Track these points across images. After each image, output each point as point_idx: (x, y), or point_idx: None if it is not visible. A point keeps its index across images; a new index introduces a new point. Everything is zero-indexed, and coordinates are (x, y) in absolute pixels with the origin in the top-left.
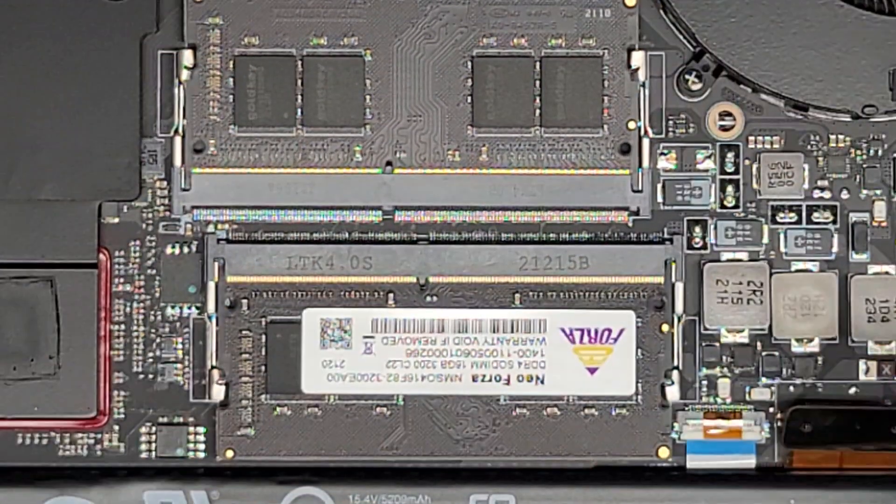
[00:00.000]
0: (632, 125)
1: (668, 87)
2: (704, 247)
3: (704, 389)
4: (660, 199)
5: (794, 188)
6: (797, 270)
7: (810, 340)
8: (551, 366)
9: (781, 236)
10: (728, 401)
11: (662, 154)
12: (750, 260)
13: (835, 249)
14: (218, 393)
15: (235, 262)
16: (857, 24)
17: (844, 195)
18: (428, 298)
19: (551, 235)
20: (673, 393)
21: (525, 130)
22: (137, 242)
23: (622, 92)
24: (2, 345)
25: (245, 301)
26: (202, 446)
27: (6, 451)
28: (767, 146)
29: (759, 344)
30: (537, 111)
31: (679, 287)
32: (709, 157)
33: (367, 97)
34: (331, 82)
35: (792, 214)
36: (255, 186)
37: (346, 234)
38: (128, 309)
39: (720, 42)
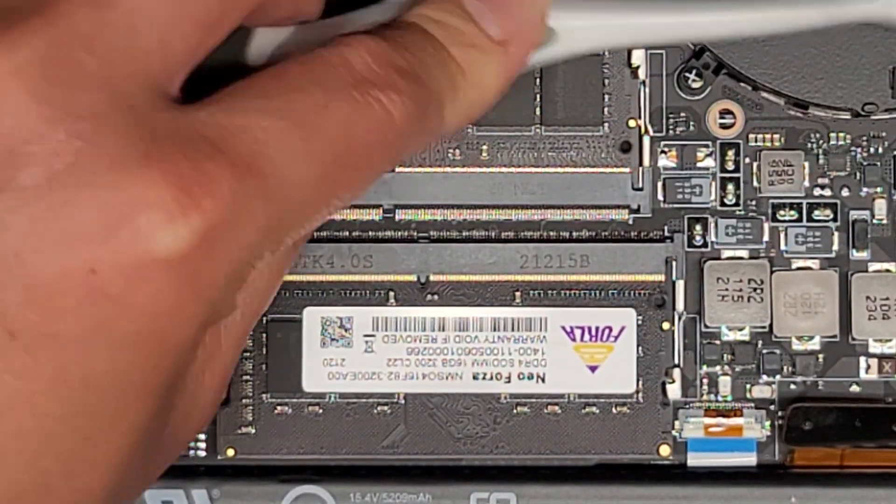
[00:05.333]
0: (632, 123)
1: (669, 85)
2: (705, 245)
3: (705, 387)
4: (660, 197)
5: (794, 186)
6: (798, 268)
7: (811, 338)
8: (552, 364)
9: (782, 234)
10: (729, 398)
11: (663, 152)
12: (750, 258)
13: (835, 247)
14: None
15: None
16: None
17: (845, 193)
18: (428, 297)
19: (552, 233)
20: (674, 391)
21: (525, 129)
22: None
23: (622, 90)
24: None
25: None
26: (203, 445)
27: None
28: (768, 144)
29: (759, 342)
30: (537, 109)
31: (680, 285)
32: (709, 154)
33: None
34: None
35: (792, 212)
36: None
37: (347, 233)
38: None
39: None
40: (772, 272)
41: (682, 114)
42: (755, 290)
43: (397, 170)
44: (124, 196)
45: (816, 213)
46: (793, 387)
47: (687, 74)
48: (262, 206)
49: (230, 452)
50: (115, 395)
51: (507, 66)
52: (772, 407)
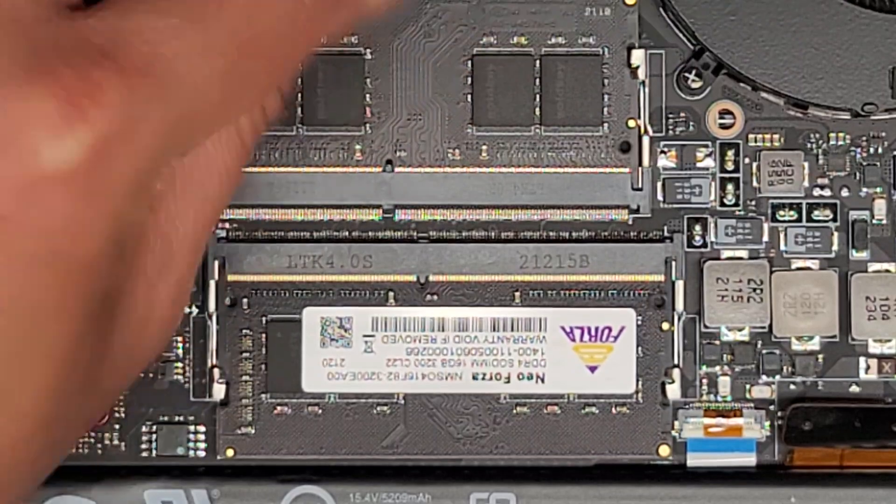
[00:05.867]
0: (632, 123)
1: (668, 85)
2: (704, 245)
3: (705, 387)
4: (660, 197)
5: (794, 186)
6: (797, 268)
7: (810, 338)
8: (552, 364)
9: (781, 234)
10: (728, 399)
11: (662, 152)
12: (750, 258)
13: (835, 247)
14: (218, 392)
15: (236, 260)
16: (857, 22)
17: (844, 193)
18: (428, 297)
19: (551, 234)
20: (673, 391)
21: (525, 129)
22: None
23: (622, 90)
24: None
25: (245, 300)
26: (203, 445)
27: None
28: (767, 144)
29: (759, 342)
30: (537, 109)
31: (679, 285)
32: (709, 155)
33: (367, 96)
34: (331, 81)
35: (792, 212)
36: (255, 185)
37: (347, 233)
38: None
39: (720, 40)
40: (771, 272)
41: (682, 114)
42: (755, 290)
43: (397, 170)
44: (8, 115)
45: (816, 213)
46: (792, 387)
47: (686, 74)
48: (158, 111)
49: (230, 452)
50: (28, 317)
51: None
52: (771, 407)
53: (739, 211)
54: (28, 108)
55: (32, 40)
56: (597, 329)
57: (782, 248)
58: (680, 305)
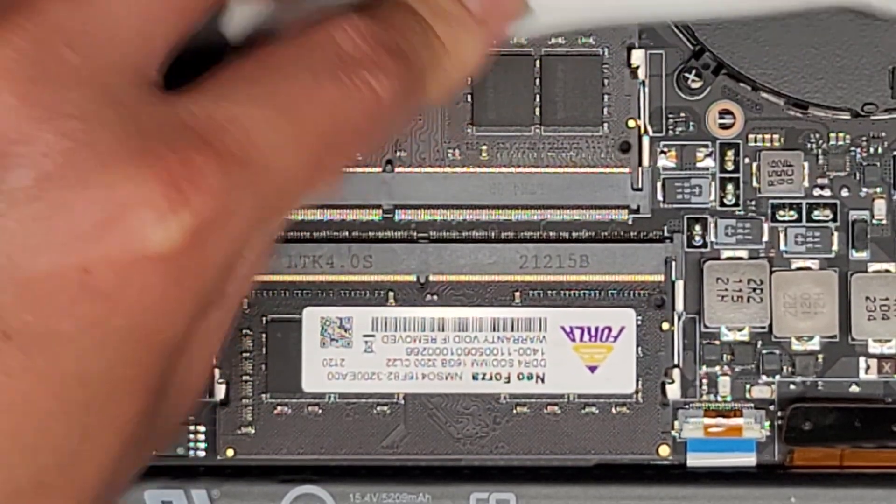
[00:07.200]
0: (632, 123)
1: (668, 85)
2: (704, 245)
3: (705, 387)
4: (660, 197)
5: (794, 186)
6: (797, 268)
7: (810, 338)
8: (551, 364)
9: (781, 234)
10: (728, 399)
11: (662, 152)
12: (750, 258)
13: (835, 247)
14: (218, 392)
15: None
16: (857, 22)
17: (844, 193)
18: (428, 297)
19: (551, 234)
20: (673, 391)
21: (525, 129)
22: None
23: (622, 90)
24: None
25: (245, 300)
26: (203, 445)
27: None
28: (767, 144)
29: (759, 342)
30: (537, 109)
31: (679, 285)
32: (709, 155)
33: None
34: None
35: (792, 212)
36: None
37: (347, 233)
38: None
39: (720, 40)
40: (771, 272)
41: (682, 114)
42: (755, 290)
43: (397, 170)
44: (115, 195)
45: (816, 213)
46: (792, 387)
47: (686, 75)
48: (251, 197)
49: (230, 453)
50: (110, 390)
51: (486, 41)
52: (771, 407)
53: (739, 211)
54: (134, 189)
55: (137, 123)
56: (597, 329)
57: (782, 248)
58: (680, 305)
